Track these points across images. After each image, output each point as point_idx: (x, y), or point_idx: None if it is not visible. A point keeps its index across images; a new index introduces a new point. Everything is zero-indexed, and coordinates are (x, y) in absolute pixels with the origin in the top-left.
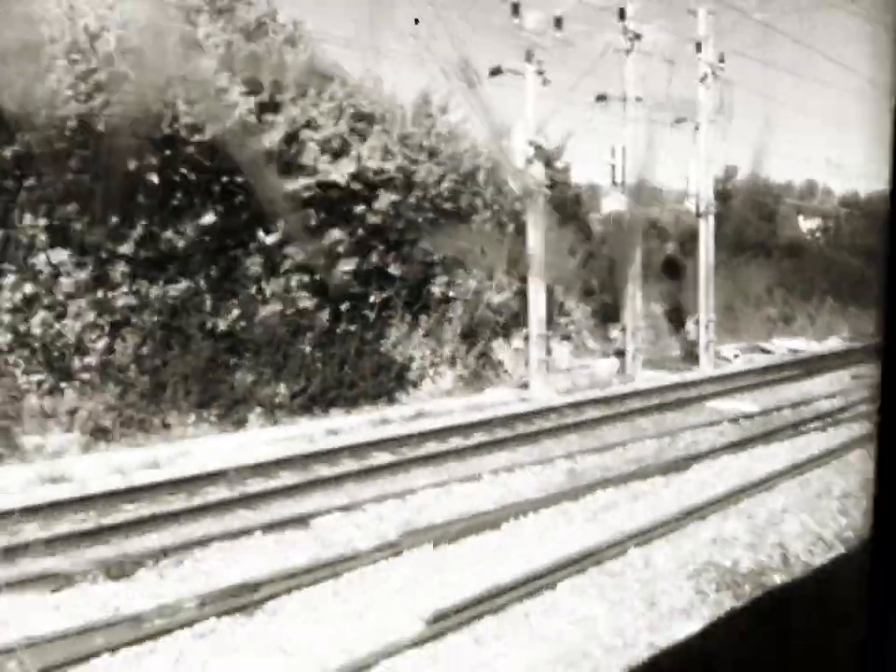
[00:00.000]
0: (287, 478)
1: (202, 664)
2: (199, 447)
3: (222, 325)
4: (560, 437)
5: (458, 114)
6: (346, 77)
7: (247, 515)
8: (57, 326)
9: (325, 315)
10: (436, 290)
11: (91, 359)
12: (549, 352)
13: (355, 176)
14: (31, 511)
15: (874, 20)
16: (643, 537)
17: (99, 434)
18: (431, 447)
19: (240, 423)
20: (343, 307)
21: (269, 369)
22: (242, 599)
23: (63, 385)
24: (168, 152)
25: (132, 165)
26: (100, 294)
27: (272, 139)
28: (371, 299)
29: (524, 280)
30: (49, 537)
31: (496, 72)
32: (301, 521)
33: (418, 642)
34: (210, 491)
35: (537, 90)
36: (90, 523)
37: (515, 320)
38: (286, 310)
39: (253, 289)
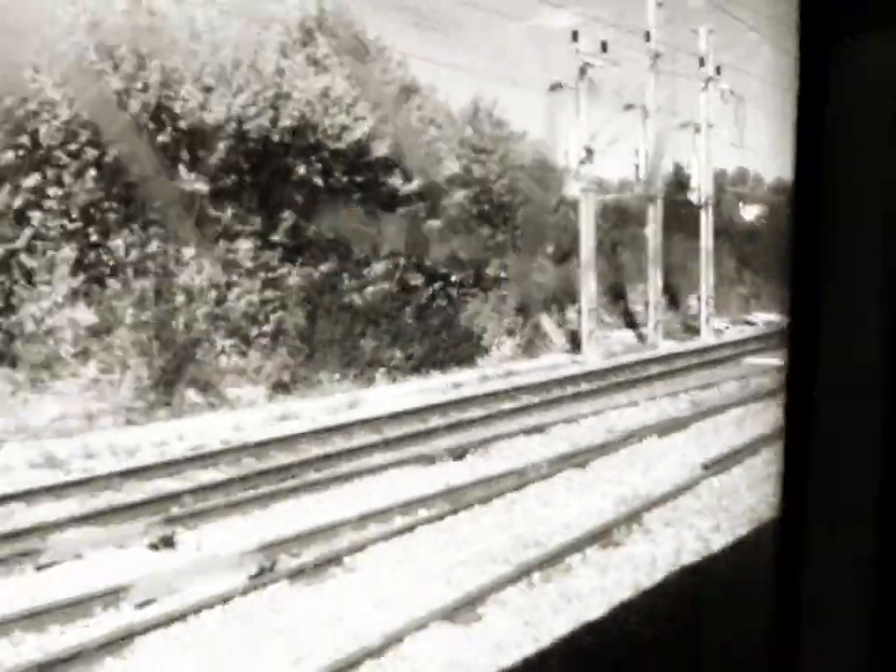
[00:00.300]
0: (492, 407)
1: (579, 491)
2: (366, 396)
3: (358, 300)
4: (652, 383)
5: (504, 117)
6: (421, 88)
7: (496, 427)
8: (241, 301)
9: (425, 293)
10: (490, 272)
11: (267, 328)
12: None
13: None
14: (335, 429)
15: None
16: None
17: (279, 388)
18: (570, 389)
19: (370, 381)
20: (437, 285)
21: (387, 337)
22: (573, 461)
23: (244, 348)
24: (313, 157)
25: (301, 170)
26: (261, 275)
27: (386, 146)
28: (453, 278)
29: (560, 261)
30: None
31: (555, 87)
32: (540, 429)
33: (706, 477)
34: (433, 419)
35: (587, 102)
36: (387, 434)
37: (555, 297)
38: (392, 288)
39: (364, 271)
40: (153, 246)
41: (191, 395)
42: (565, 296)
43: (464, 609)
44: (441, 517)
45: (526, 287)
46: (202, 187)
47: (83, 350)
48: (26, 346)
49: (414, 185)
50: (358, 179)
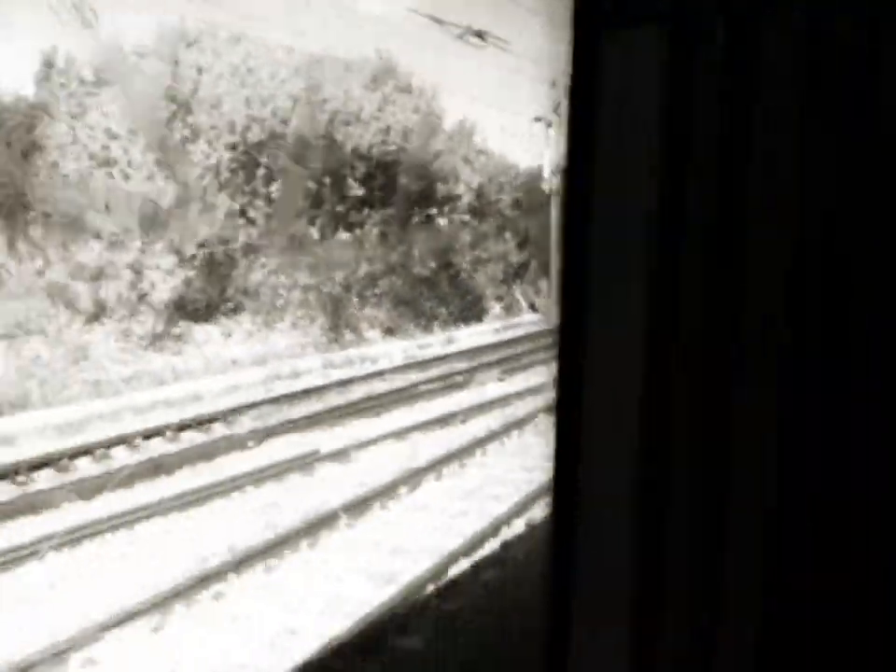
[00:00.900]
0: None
1: None
2: (453, 336)
3: (425, 272)
4: None
5: (483, 134)
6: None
7: None
8: (361, 272)
9: (456, 268)
10: (480, 254)
11: (377, 290)
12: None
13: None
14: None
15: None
16: None
17: (388, 332)
18: None
19: (429, 330)
20: (462, 263)
21: (435, 299)
22: None
23: (363, 304)
24: (400, 170)
25: (415, 186)
26: (368, 253)
27: (441, 162)
28: (468, 258)
29: (521, 246)
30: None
31: (538, 119)
32: None
33: None
34: (535, 343)
35: (558, 130)
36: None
37: (518, 273)
38: (437, 264)
39: (416, 250)
40: (322, 233)
41: (347, 334)
42: (524, 272)
43: None
44: None
45: (505, 266)
46: (360, 192)
47: (285, 303)
48: (253, 301)
49: (461, 188)
50: (421, 185)
